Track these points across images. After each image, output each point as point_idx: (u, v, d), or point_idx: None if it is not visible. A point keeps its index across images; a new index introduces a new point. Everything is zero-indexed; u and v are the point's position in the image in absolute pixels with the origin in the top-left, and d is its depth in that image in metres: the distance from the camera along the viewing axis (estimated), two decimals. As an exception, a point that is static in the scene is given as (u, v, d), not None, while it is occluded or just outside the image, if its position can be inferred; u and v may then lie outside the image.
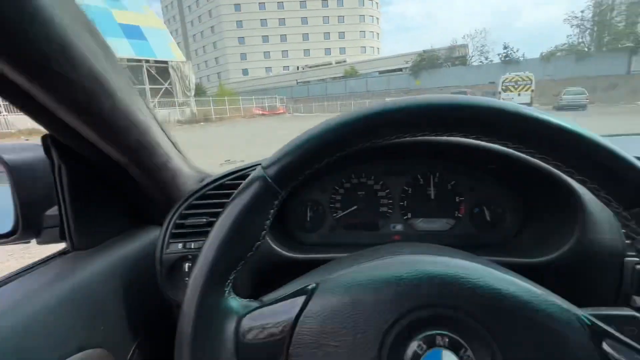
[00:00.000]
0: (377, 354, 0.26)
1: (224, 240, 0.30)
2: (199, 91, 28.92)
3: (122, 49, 15.33)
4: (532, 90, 17.63)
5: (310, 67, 43.22)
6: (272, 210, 0.32)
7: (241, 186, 0.31)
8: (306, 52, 50.23)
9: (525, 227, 0.64)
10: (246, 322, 0.31)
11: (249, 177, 0.32)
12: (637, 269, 0.48)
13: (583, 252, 0.50)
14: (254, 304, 0.33)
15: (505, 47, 26.20)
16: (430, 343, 0.26)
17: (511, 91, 17.75)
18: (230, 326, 0.31)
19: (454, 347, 0.25)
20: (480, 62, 29.52)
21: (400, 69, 32.79)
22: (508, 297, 0.26)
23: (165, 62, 18.07)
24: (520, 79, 17.74)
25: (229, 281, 0.32)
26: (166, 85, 18.61)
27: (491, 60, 28.69)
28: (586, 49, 24.64)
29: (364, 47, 51.46)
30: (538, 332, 0.25)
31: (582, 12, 26.20)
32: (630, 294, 0.48)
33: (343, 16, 49.75)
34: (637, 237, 0.28)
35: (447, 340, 0.25)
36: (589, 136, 0.26)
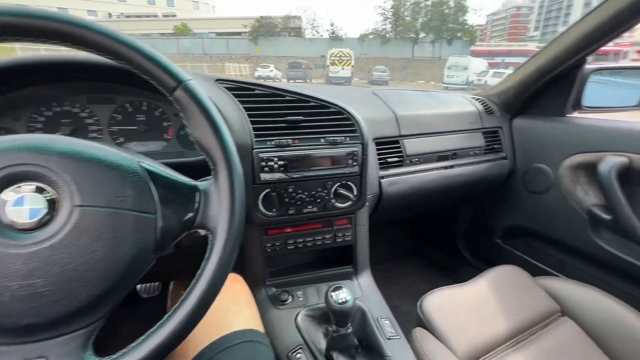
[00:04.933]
0: None
1: None
2: None
3: None
4: (352, 66, 20.74)
5: (128, 16, 35.35)
6: None
7: None
8: (121, -4, 40.48)
9: None
10: None
11: None
12: (259, 156, 0.70)
13: None
14: None
15: (331, 24, 29.36)
16: (18, 191, 0.32)
17: (337, 65, 20.30)
18: None
19: (40, 191, 0.33)
20: (313, 35, 32.01)
21: (239, 33, 31.50)
22: (87, 154, 0.36)
23: None
24: (343, 55, 20.42)
25: None
26: None
27: (321, 35, 31.58)
28: (387, 35, 30.66)
29: (197, 2, 46.09)
30: (107, 172, 0.36)
31: (384, 2, 32.11)
32: (259, 172, 0.71)
33: (167, -41, 42.33)
34: (183, 115, 0.40)
35: (34, 187, 0.33)
36: (140, 48, 0.37)
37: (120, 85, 0.71)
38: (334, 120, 0.78)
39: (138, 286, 1.21)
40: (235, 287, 0.66)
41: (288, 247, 0.83)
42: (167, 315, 0.37)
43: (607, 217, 0.97)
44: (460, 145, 1.12)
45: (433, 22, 29.37)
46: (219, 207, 0.41)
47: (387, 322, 0.77)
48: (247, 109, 0.71)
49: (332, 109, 0.78)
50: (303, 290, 0.85)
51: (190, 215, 0.41)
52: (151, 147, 0.77)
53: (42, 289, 0.32)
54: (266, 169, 0.71)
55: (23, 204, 0.32)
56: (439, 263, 1.71)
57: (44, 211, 0.33)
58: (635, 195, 0.94)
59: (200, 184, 0.43)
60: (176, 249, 0.80)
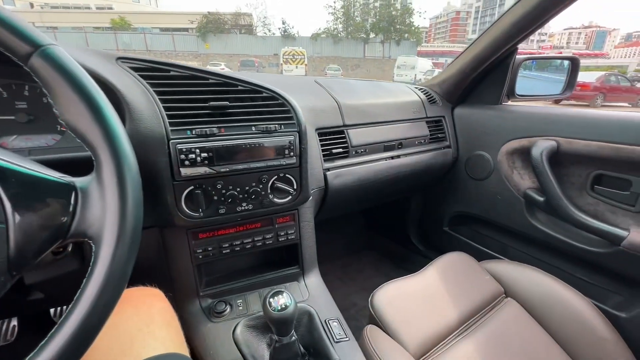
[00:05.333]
0: None
1: None
2: None
3: None
4: (306, 65, 20.70)
5: (54, 7, 31.71)
6: None
7: None
8: (45, -16, 36.14)
9: None
10: None
11: None
12: (177, 147, 0.60)
13: (141, 140, 0.57)
14: None
15: (283, 23, 29.07)
16: None
17: (290, 64, 20.12)
18: None
19: None
20: (264, 33, 31.38)
21: (186, 29, 29.88)
22: None
23: None
24: (296, 53, 20.29)
25: None
26: None
27: (273, 33, 31.08)
28: (339, 35, 31.12)
29: (137, -6, 42.86)
30: None
31: (335, 2, 32.58)
32: (178, 167, 0.60)
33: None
34: (46, 92, 0.32)
35: None
36: None
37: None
38: (266, 106, 0.70)
39: (52, 310, 1.03)
40: (151, 305, 0.55)
41: (223, 252, 0.74)
42: (27, 358, 0.28)
43: (540, 198, 1.01)
44: (405, 134, 1.11)
45: (382, 23, 30.43)
46: (102, 209, 0.33)
47: (335, 323, 0.71)
48: (159, 94, 0.61)
49: (264, 94, 0.70)
50: (243, 298, 0.77)
51: (63, 220, 0.32)
52: (39, 141, 0.62)
53: None
54: (187, 162, 0.61)
55: None
56: (393, 254, 1.71)
57: None
58: (564, 177, 0.99)
59: (78, 180, 0.34)
60: (81, 263, 0.67)
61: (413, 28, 30.98)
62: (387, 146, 1.06)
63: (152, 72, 0.62)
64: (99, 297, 0.30)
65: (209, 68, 0.70)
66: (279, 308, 0.56)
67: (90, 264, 0.31)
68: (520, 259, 1.01)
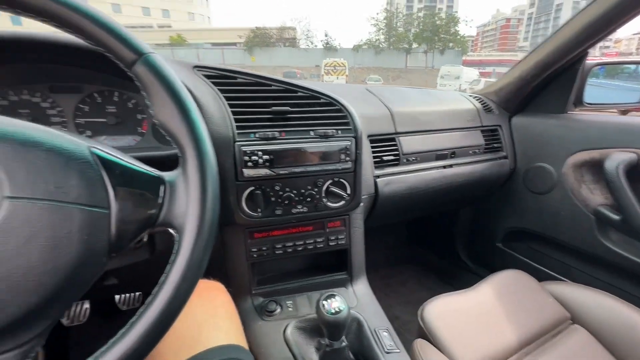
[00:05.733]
0: None
1: None
2: None
3: None
4: (347, 75, 20.93)
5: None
6: None
7: None
8: (115, 6, 40.68)
9: None
10: None
11: None
12: (242, 149, 0.63)
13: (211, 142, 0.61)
14: None
15: (326, 35, 29.79)
16: None
17: (331, 75, 20.47)
18: None
19: None
20: (307, 45, 32.36)
21: (235, 43, 31.80)
22: (22, 136, 0.29)
23: None
24: (337, 64, 20.64)
25: None
26: None
27: (315, 45, 31.95)
28: (381, 46, 31.13)
29: (192, 13, 46.51)
30: (47, 157, 0.29)
31: (377, 14, 32.73)
32: (242, 168, 0.64)
33: (163, -28, 42.78)
34: (145, 95, 0.36)
35: None
36: (98, 17, 0.32)
37: (88, 71, 0.65)
38: (324, 112, 0.72)
39: (117, 297, 1.13)
40: (215, 297, 0.58)
41: (276, 252, 0.76)
42: (120, 332, 0.30)
43: (615, 217, 0.91)
44: (459, 143, 1.07)
45: (425, 33, 29.92)
46: (187, 202, 0.35)
47: (385, 333, 0.70)
48: (228, 99, 0.65)
49: (322, 100, 0.72)
50: (293, 300, 0.78)
51: (152, 211, 0.35)
52: (123, 141, 0.70)
53: None
54: (250, 164, 0.64)
55: None
56: (438, 269, 1.64)
57: None
58: None
59: (167, 174, 0.37)
60: (151, 253, 0.73)
61: (458, 37, 30.06)
62: (440, 155, 1.03)
63: (222, 79, 0.67)
64: (180, 283, 0.33)
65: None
66: (333, 311, 0.56)
67: (174, 252, 0.34)
68: (587, 282, 0.91)
